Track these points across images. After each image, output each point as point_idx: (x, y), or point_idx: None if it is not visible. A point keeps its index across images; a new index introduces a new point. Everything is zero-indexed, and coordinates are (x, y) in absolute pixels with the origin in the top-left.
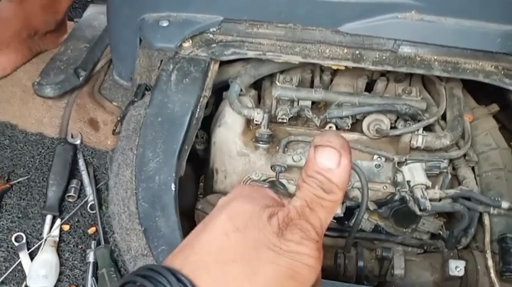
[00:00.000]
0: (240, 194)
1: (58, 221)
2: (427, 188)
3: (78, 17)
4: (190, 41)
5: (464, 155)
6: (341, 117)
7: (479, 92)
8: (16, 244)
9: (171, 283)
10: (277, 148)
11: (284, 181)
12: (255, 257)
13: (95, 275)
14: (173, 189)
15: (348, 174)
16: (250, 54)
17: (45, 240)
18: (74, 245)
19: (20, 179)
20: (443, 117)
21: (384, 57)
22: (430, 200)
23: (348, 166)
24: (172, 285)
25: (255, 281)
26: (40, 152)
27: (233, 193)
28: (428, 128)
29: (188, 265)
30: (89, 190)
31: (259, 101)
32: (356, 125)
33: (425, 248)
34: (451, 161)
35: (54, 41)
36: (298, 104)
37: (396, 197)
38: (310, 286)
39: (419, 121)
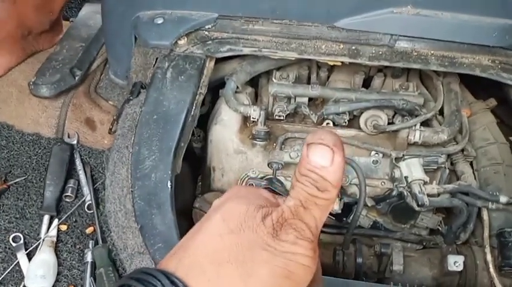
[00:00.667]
0: (235, 195)
1: (55, 221)
2: (425, 183)
3: (73, 16)
4: (186, 39)
5: (462, 150)
6: (338, 114)
7: (477, 86)
8: (14, 244)
9: (164, 285)
10: (274, 145)
11: (281, 178)
12: (250, 258)
13: (93, 274)
14: (169, 187)
15: (341, 171)
16: (246, 50)
17: (43, 240)
18: (71, 245)
19: (17, 180)
20: (441, 112)
21: (380, 53)
22: (428, 195)
23: (342, 163)
24: None
25: (250, 282)
26: (37, 152)
27: (228, 193)
28: (425, 123)
29: (182, 268)
30: (86, 190)
31: (256, 98)
32: (353, 121)
33: (424, 244)
34: (449, 156)
35: (50, 41)
36: (295, 101)
37: (394, 193)
38: (306, 285)
39: (416, 116)
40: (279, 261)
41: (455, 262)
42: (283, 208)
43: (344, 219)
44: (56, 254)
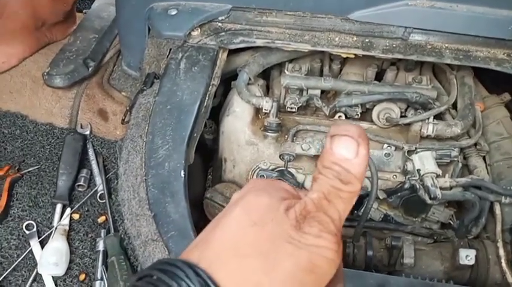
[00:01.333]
0: (255, 187)
1: (68, 210)
2: (438, 176)
3: (86, 8)
4: (199, 30)
5: (475, 145)
6: (350, 106)
7: (491, 80)
8: (27, 232)
9: (188, 276)
10: (286, 137)
11: (293, 170)
12: (273, 250)
13: (105, 263)
14: (182, 176)
15: (366, 164)
16: (259, 42)
17: (56, 228)
18: (83, 234)
19: (31, 169)
20: (454, 106)
21: (394, 45)
22: (441, 188)
23: (366, 156)
24: (190, 278)
25: (274, 274)
26: (50, 142)
27: (247, 186)
28: (439, 117)
29: (205, 260)
30: (98, 180)
31: (267, 91)
32: (366, 114)
33: (435, 237)
34: (461, 150)
35: (63, 32)
36: (307, 93)
37: (406, 186)
38: (329, 279)
39: (429, 110)
40: (303, 254)
41: (467, 256)
42: (306, 201)
43: (355, 212)
44: (68, 243)
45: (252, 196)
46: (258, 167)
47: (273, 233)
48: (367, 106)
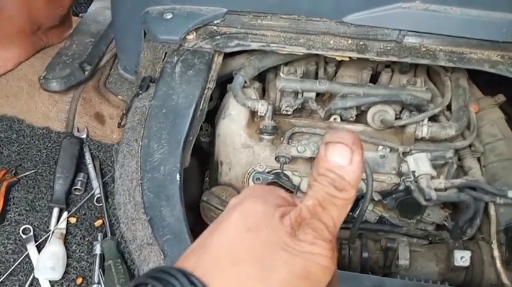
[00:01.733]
0: (252, 194)
1: (65, 214)
2: (432, 178)
3: (83, 12)
4: (194, 33)
5: (470, 146)
6: (345, 109)
7: (485, 82)
8: (24, 236)
9: (183, 284)
10: (282, 139)
11: (288, 173)
12: (268, 257)
13: (102, 266)
14: (178, 179)
15: (360, 171)
16: (254, 45)
17: (53, 232)
18: (80, 238)
19: (27, 173)
20: (449, 108)
21: (388, 48)
22: (436, 190)
23: (361, 163)
24: None
25: (269, 282)
26: (47, 146)
27: (244, 192)
28: (433, 119)
29: (201, 267)
30: (95, 183)
31: (263, 94)
32: (361, 116)
33: (430, 239)
34: (456, 151)
35: (59, 36)
36: (302, 96)
37: (401, 188)
38: (324, 286)
39: (424, 112)
40: (297, 261)
41: (462, 257)
42: (301, 207)
43: (350, 213)
44: (65, 247)
45: (249, 202)
46: (254, 170)
47: (268, 240)
48: (362, 108)
